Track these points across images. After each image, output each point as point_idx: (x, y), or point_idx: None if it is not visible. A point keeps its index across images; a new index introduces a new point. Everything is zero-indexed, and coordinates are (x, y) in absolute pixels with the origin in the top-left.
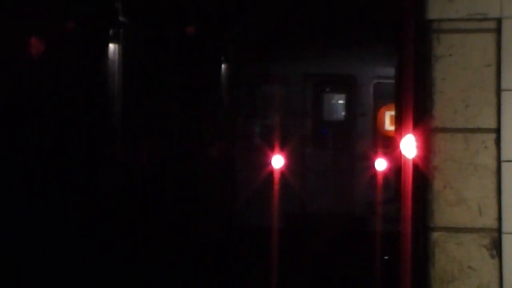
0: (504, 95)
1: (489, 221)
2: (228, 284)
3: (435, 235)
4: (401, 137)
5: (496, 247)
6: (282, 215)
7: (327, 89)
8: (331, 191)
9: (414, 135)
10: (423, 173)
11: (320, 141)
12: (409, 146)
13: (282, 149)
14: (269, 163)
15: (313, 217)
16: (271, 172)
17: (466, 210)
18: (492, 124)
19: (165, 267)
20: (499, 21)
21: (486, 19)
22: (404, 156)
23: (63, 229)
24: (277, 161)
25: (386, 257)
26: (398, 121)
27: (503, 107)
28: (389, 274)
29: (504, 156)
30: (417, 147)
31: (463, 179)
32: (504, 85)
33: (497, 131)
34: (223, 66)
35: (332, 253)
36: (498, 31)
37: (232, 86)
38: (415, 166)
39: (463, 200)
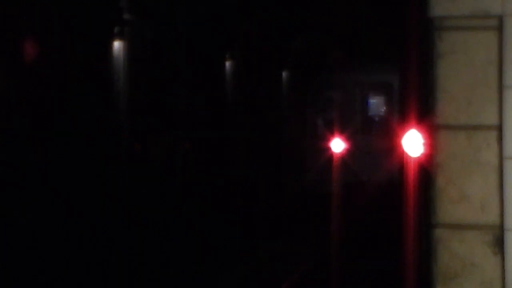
0: (506, 92)
1: (492, 217)
2: (305, 230)
3: (438, 232)
4: (404, 134)
5: (499, 243)
6: (341, 183)
7: (371, 93)
8: (375, 165)
9: (417, 132)
10: (426, 170)
11: (367, 129)
12: (412, 143)
13: (340, 136)
14: (330, 146)
15: (363, 184)
16: (332, 153)
17: (469, 207)
18: (495, 121)
19: (260, 222)
20: (501, 19)
21: (488, 17)
22: (407, 153)
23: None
24: (336, 145)
25: None
26: (402, 118)
27: (505, 104)
28: None
29: (506, 153)
30: (420, 144)
31: (466, 176)
32: (506, 82)
33: (500, 128)
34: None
35: (377, 209)
36: (500, 28)
37: (301, 91)
38: (418, 163)
39: (465, 197)
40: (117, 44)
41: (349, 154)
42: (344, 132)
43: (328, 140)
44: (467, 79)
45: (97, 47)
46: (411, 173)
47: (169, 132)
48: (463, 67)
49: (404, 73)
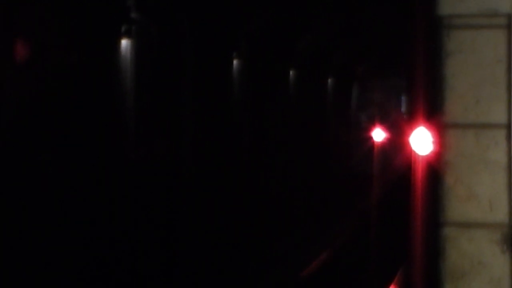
0: None
1: (500, 216)
2: (352, 192)
3: (446, 230)
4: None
5: (507, 242)
6: (378, 165)
7: (404, 93)
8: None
9: (426, 130)
10: (434, 169)
11: (400, 123)
12: (420, 141)
13: (379, 128)
14: (371, 137)
15: (396, 166)
16: (373, 142)
17: (477, 205)
18: (503, 120)
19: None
20: (509, 17)
21: (496, 15)
22: (415, 151)
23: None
24: (377, 135)
25: None
26: (411, 117)
27: None
28: None
29: None
30: (428, 142)
31: (474, 174)
32: None
33: (508, 126)
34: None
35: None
36: (508, 27)
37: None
38: (426, 162)
39: (474, 195)
40: (124, 43)
41: (386, 143)
42: (382, 125)
43: (370, 131)
44: (475, 77)
45: (104, 46)
46: (420, 171)
47: (176, 131)
48: (471, 66)
49: (412, 72)
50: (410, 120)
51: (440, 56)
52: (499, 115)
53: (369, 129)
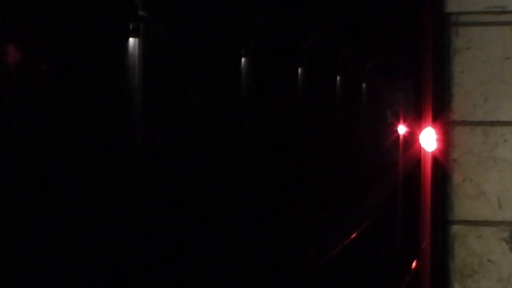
0: None
1: (509, 214)
2: (378, 175)
3: (455, 228)
4: (420, 130)
5: None
6: (402, 155)
7: (414, 91)
8: None
9: (433, 128)
10: (442, 167)
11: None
12: (428, 139)
13: (403, 123)
14: (396, 131)
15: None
16: (397, 135)
17: (486, 203)
18: (511, 117)
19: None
20: None
21: (504, 12)
22: (423, 149)
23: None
24: (400, 129)
25: None
26: (418, 114)
27: None
28: None
29: None
30: (436, 140)
31: (483, 172)
32: None
33: None
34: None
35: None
36: None
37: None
38: (434, 160)
39: (482, 193)
40: (132, 41)
41: (408, 136)
42: (405, 119)
43: (395, 125)
44: (483, 74)
45: (111, 44)
46: (428, 169)
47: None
48: (479, 63)
49: (420, 70)
50: (419, 118)
51: (448, 53)
52: (508, 113)
53: (394, 124)
